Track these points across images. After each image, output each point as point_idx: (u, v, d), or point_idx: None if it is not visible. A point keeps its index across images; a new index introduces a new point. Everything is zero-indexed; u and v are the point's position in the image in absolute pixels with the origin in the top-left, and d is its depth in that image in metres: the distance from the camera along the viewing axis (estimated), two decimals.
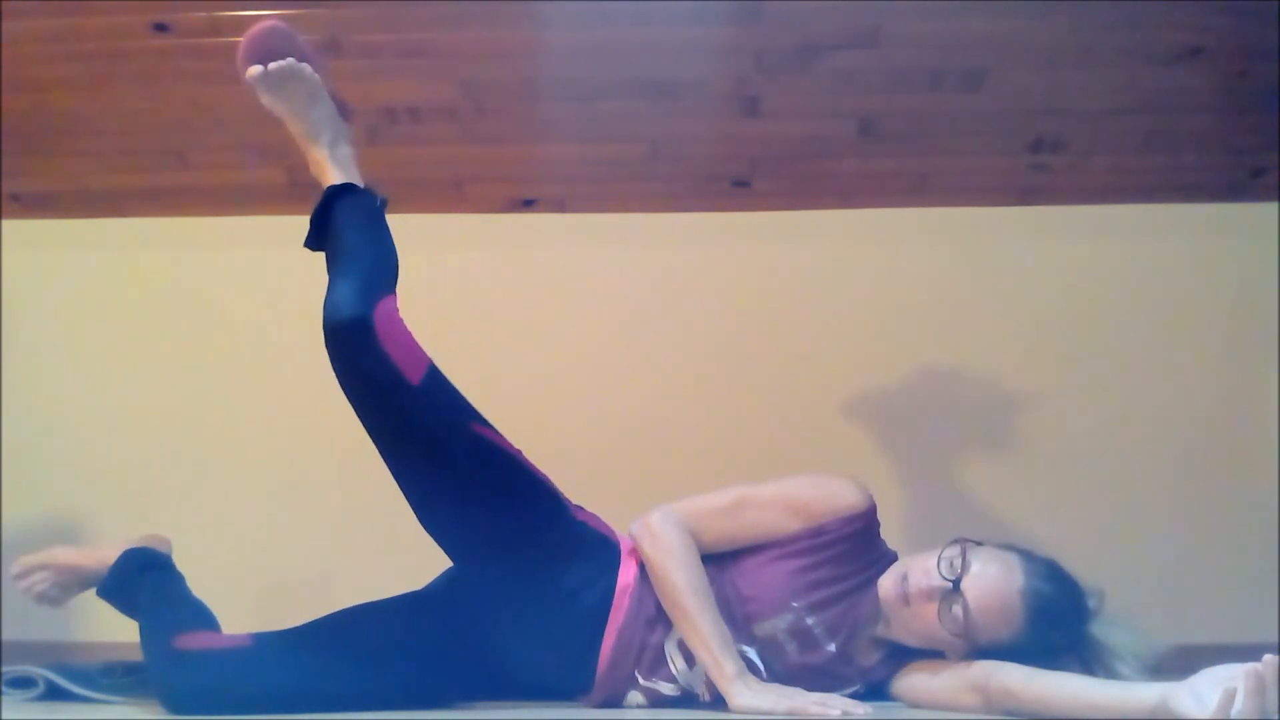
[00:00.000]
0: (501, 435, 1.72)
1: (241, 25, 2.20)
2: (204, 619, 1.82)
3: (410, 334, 1.67)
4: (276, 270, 2.63)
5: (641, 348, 2.60)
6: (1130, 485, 2.51)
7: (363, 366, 1.63)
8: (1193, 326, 2.56)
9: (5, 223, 2.67)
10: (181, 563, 1.96)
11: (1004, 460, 2.53)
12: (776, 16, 2.18)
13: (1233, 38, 2.21)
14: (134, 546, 1.97)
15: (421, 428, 1.66)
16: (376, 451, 2.60)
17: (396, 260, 1.78)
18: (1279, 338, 2.52)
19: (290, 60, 1.77)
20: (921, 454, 2.54)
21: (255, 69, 1.76)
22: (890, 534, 1.73)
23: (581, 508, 1.79)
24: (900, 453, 2.54)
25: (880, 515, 1.70)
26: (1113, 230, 2.59)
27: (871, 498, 1.70)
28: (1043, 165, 2.51)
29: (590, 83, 2.34)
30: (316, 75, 1.81)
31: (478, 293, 2.64)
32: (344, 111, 1.88)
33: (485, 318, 2.63)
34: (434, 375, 1.67)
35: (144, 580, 1.89)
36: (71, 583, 1.97)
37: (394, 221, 2.62)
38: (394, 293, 1.71)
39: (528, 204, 2.64)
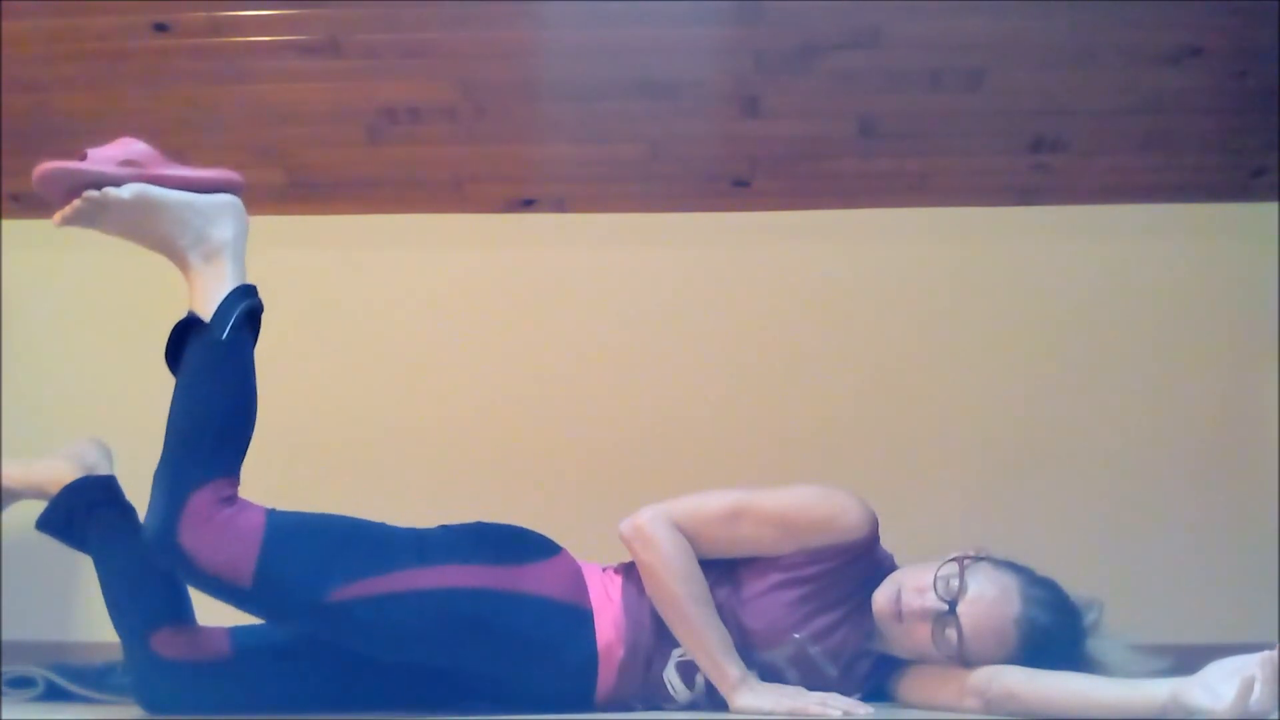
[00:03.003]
0: (391, 563, 1.52)
1: (241, 25, 2.22)
2: (172, 593, 1.71)
3: (236, 518, 1.48)
4: (276, 270, 2.62)
5: (641, 348, 2.60)
6: (1129, 485, 2.51)
7: (188, 581, 1.50)
8: (1193, 327, 2.56)
9: (5, 223, 2.67)
10: None
11: (1003, 460, 2.52)
12: (776, 16, 2.18)
13: (1233, 38, 2.21)
14: (78, 478, 1.82)
15: (274, 623, 1.54)
16: (369, 456, 2.61)
17: (237, 416, 1.56)
18: (1279, 338, 2.52)
19: (84, 196, 1.56)
20: (920, 454, 2.53)
21: (56, 219, 1.57)
22: (889, 535, 1.72)
23: (535, 548, 1.65)
24: (899, 453, 2.53)
25: (879, 515, 1.68)
26: (1113, 230, 2.59)
27: (873, 517, 1.65)
28: (1043, 165, 2.51)
29: (590, 83, 2.34)
30: (131, 188, 1.57)
31: (477, 293, 2.64)
32: (213, 184, 1.66)
33: (485, 318, 2.63)
34: (270, 555, 1.47)
35: (93, 519, 1.78)
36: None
37: (394, 221, 2.68)
38: (222, 475, 1.50)
39: (527, 204, 2.64)
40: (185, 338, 1.59)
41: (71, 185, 1.56)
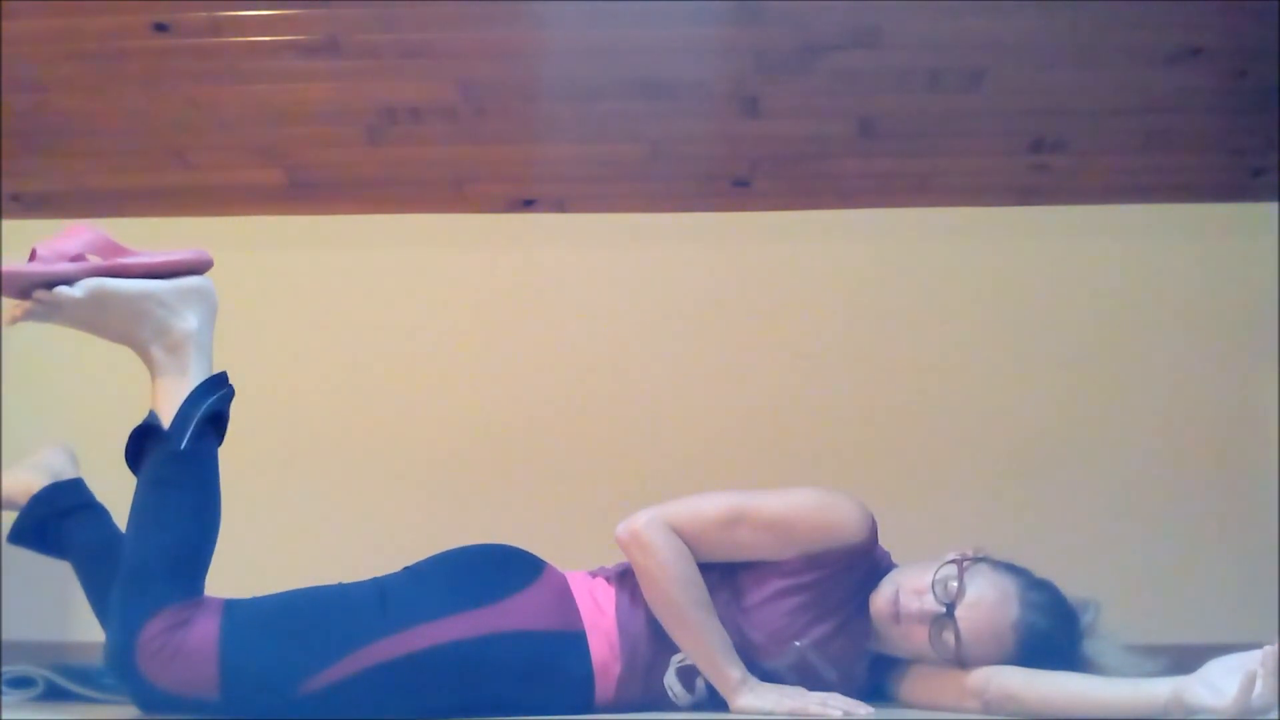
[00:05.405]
0: (359, 638, 1.46)
1: (241, 25, 2.22)
2: None
3: (188, 638, 1.43)
4: (276, 270, 2.63)
5: (641, 348, 2.60)
6: (1129, 485, 2.51)
7: (158, 704, 1.45)
8: (1192, 326, 2.56)
9: (5, 223, 2.67)
10: None
11: (1003, 459, 2.52)
12: (776, 16, 2.18)
13: (1233, 38, 2.21)
14: (45, 487, 1.80)
15: None
16: (371, 456, 2.60)
17: (194, 539, 1.50)
18: (1279, 338, 2.52)
19: (34, 297, 1.48)
20: (919, 453, 2.53)
21: (6, 320, 1.51)
22: (888, 535, 1.72)
23: (515, 574, 1.61)
24: (898, 452, 2.53)
25: (878, 516, 1.67)
26: (1112, 230, 2.59)
27: (873, 521, 1.63)
28: (1043, 165, 2.51)
29: (590, 83, 2.34)
30: (84, 284, 1.49)
31: (477, 293, 2.64)
32: (179, 268, 1.56)
33: (485, 318, 2.63)
34: (231, 664, 1.43)
35: (66, 525, 1.76)
36: None
37: (395, 221, 2.68)
38: (177, 600, 1.45)
39: (528, 204, 2.64)
40: (146, 440, 1.52)
41: (23, 287, 1.48)
